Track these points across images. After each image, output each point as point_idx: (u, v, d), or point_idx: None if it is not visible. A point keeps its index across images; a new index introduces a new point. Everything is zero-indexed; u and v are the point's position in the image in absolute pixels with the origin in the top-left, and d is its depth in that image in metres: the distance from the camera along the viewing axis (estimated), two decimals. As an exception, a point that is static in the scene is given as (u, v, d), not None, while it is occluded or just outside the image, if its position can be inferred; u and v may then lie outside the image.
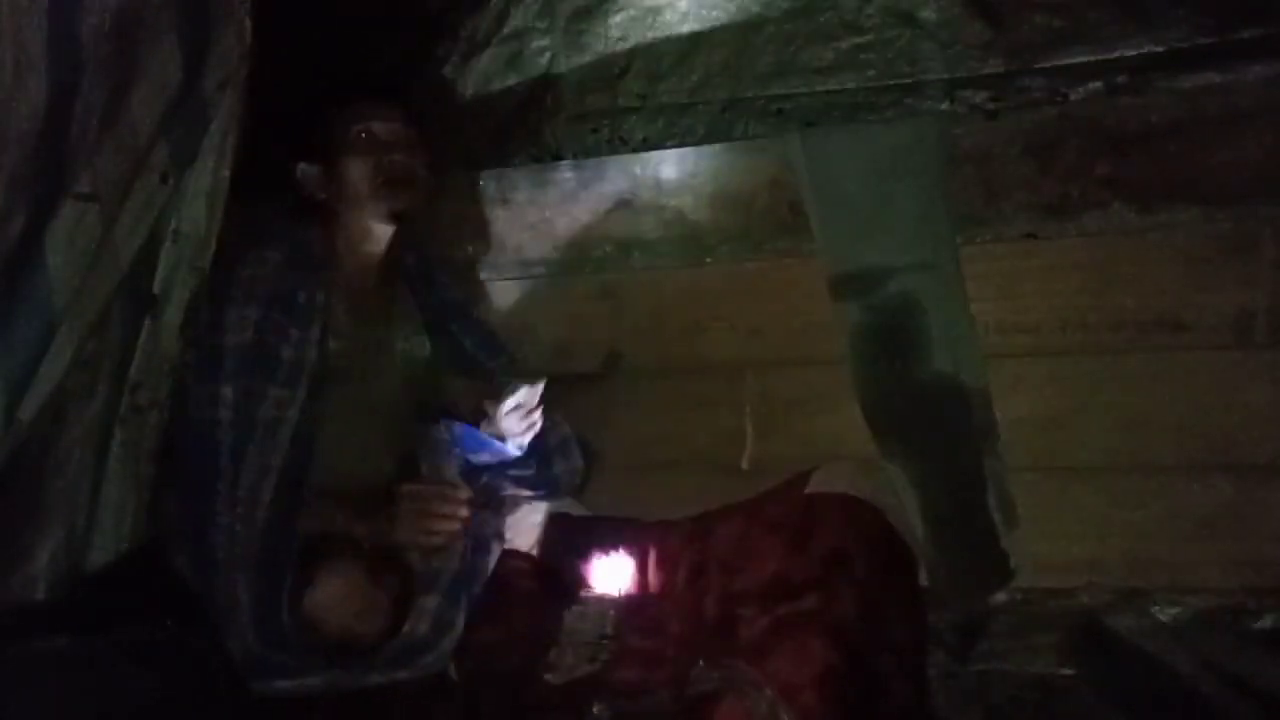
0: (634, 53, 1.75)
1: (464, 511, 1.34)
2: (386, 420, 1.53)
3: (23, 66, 1.01)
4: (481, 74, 1.81)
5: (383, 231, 1.54)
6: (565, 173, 1.76)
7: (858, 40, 1.65)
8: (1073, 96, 1.54)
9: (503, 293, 1.81)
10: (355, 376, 1.49)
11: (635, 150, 1.76)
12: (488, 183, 1.79)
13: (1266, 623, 1.48)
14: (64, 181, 1.15)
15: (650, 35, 1.74)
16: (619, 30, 1.76)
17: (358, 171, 1.50)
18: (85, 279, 1.23)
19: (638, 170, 1.72)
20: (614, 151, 1.77)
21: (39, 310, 1.15)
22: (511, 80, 1.81)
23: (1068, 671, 1.49)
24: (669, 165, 1.71)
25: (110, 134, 1.22)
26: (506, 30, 1.80)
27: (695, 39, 1.72)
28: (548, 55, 1.79)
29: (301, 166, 1.54)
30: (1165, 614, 1.52)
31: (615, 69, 1.77)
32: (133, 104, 1.29)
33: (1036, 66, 1.56)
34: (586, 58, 1.78)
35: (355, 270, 1.54)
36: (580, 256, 1.77)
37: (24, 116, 1.03)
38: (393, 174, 1.49)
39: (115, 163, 1.25)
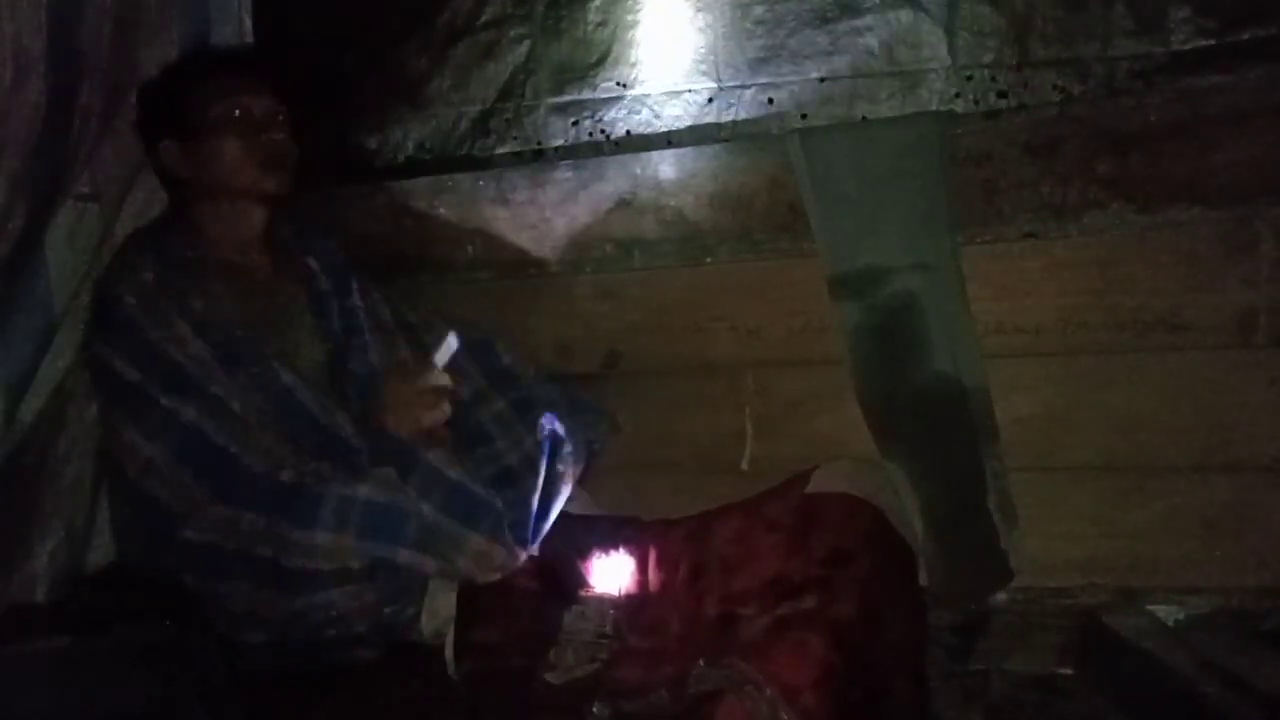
0: (613, 39, 1.73)
1: (444, 390, 1.34)
2: (315, 391, 1.47)
3: (23, 67, 1.01)
4: (459, 64, 1.80)
5: (258, 212, 1.49)
6: (565, 173, 1.76)
7: (855, 23, 1.62)
8: (1075, 91, 1.54)
9: (503, 293, 1.81)
10: (269, 354, 1.43)
11: (618, 143, 1.75)
12: (488, 183, 1.79)
13: (1267, 623, 1.48)
14: (64, 181, 1.16)
15: (630, 19, 1.72)
16: (598, 15, 1.73)
17: (232, 151, 1.43)
18: (85, 279, 1.23)
19: (638, 170, 1.72)
20: (596, 144, 1.76)
21: (39, 310, 1.16)
22: (490, 70, 1.80)
23: (1068, 671, 1.49)
24: (669, 165, 1.71)
25: (110, 134, 1.23)
26: (484, 18, 1.78)
27: (678, 24, 1.69)
28: (526, 44, 1.78)
29: (164, 143, 1.45)
30: (1165, 614, 1.52)
31: (594, 57, 1.75)
32: (133, 104, 1.29)
33: (1042, 55, 1.56)
34: (565, 45, 1.76)
35: (236, 252, 1.49)
36: (580, 256, 1.77)
37: (24, 116, 1.03)
38: (270, 153, 1.44)
39: (115, 163, 1.25)
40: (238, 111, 1.44)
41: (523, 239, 1.79)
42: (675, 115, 1.73)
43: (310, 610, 1.23)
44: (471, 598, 1.32)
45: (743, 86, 1.69)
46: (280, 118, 1.48)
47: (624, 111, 1.76)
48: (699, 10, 1.69)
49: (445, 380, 1.36)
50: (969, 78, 1.59)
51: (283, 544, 1.21)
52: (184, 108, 1.43)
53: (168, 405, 1.29)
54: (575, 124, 1.78)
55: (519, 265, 1.80)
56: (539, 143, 1.80)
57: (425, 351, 1.38)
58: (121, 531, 1.37)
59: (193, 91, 1.44)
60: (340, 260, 1.63)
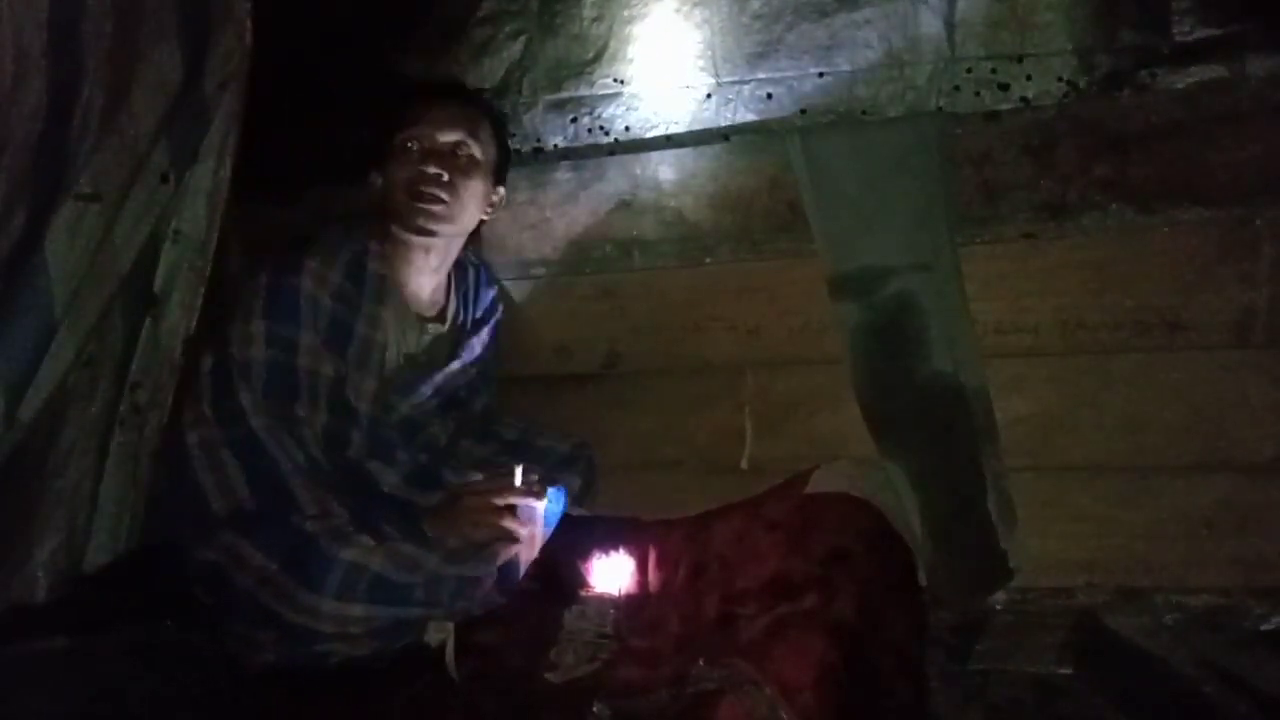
0: (610, 35, 1.72)
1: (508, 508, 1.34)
2: (432, 451, 1.51)
3: (23, 67, 1.01)
4: (455, 61, 1.80)
5: (424, 246, 1.50)
6: (565, 173, 1.76)
7: (853, 16, 1.61)
8: (1081, 83, 1.54)
9: (503, 293, 1.81)
10: (402, 393, 1.48)
11: (618, 139, 1.75)
12: (487, 183, 1.79)
13: (1267, 623, 1.48)
14: (64, 181, 1.15)
15: (626, 14, 1.71)
16: (594, 10, 1.73)
17: (393, 181, 1.47)
18: (85, 279, 1.23)
19: (638, 170, 1.72)
20: (596, 141, 1.76)
21: (39, 310, 1.16)
22: (485, 67, 1.79)
23: (1068, 671, 1.49)
24: (669, 165, 1.71)
25: (110, 134, 1.23)
26: (480, 14, 1.78)
27: (675, 19, 1.68)
28: (523, 39, 1.77)
29: (371, 174, 1.53)
30: (1165, 614, 1.52)
31: (590, 53, 1.74)
32: (133, 104, 1.29)
33: (1043, 47, 1.55)
34: (561, 41, 1.75)
35: (410, 282, 1.51)
36: (580, 256, 1.77)
37: (24, 116, 1.03)
38: (420, 186, 1.45)
39: (115, 163, 1.25)
40: (410, 142, 1.47)
41: (523, 239, 1.79)
42: (673, 111, 1.73)
43: (313, 652, 1.24)
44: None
45: (741, 81, 1.68)
46: (459, 149, 1.48)
47: (622, 108, 1.76)
48: (696, 5, 1.69)
49: (514, 500, 1.35)
50: (969, 70, 1.59)
51: (290, 601, 1.21)
52: (379, 137, 1.50)
53: (247, 402, 1.31)
54: (573, 121, 1.78)
55: (519, 265, 1.80)
56: (538, 140, 1.80)
57: (505, 472, 1.39)
58: (155, 504, 1.38)
59: (387, 121, 1.50)
60: (494, 319, 1.67)
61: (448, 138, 1.48)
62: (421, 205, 1.45)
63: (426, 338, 1.54)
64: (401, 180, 1.46)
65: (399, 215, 1.47)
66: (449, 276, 1.60)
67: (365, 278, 1.44)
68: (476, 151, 1.52)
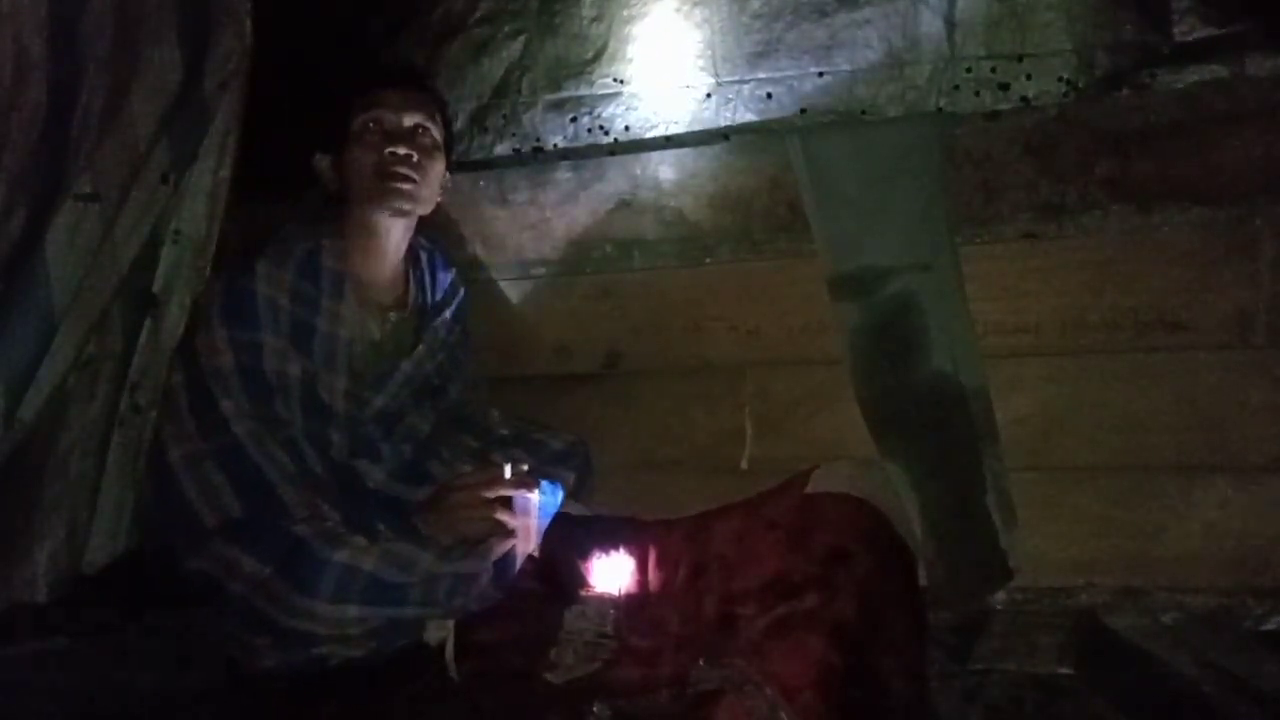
0: (609, 35, 1.73)
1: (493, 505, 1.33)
2: (415, 442, 1.51)
3: (23, 66, 1.01)
4: (454, 61, 1.80)
5: (389, 228, 1.50)
6: (565, 173, 1.76)
7: (853, 15, 1.61)
8: (1080, 82, 1.54)
9: (503, 293, 1.81)
10: (374, 386, 1.47)
11: (618, 139, 1.75)
12: (488, 183, 1.79)
13: (1267, 623, 1.48)
14: (64, 181, 1.16)
15: (626, 14, 1.72)
16: (593, 10, 1.73)
17: (359, 163, 1.47)
18: (85, 279, 1.23)
19: (638, 170, 1.72)
20: (596, 140, 1.76)
21: (39, 310, 1.16)
22: (484, 66, 1.79)
23: (1068, 671, 1.49)
24: (669, 165, 1.71)
25: (110, 134, 1.23)
26: (478, 14, 1.79)
27: (675, 18, 1.69)
28: (522, 39, 1.78)
29: (316, 156, 1.52)
30: (1165, 614, 1.52)
31: (590, 52, 1.74)
32: (133, 104, 1.29)
33: (1043, 47, 1.55)
34: (560, 41, 1.76)
35: (369, 270, 1.52)
36: (580, 256, 1.77)
37: (24, 116, 1.04)
38: (390, 166, 1.45)
39: (115, 163, 1.25)
40: (371, 124, 1.47)
41: (523, 239, 1.79)
42: (673, 110, 1.73)
43: (310, 655, 1.24)
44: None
45: (741, 81, 1.69)
46: (415, 132, 1.49)
47: (622, 108, 1.76)
48: (696, 5, 1.69)
49: (504, 492, 1.34)
50: (969, 70, 1.59)
51: (284, 605, 1.20)
52: (333, 121, 1.49)
53: (229, 409, 1.30)
54: (573, 120, 1.78)
55: (519, 265, 1.80)
56: (537, 139, 1.80)
57: (494, 464, 1.38)
58: (144, 518, 1.37)
59: (341, 105, 1.49)
60: (456, 300, 1.65)
61: (410, 120, 1.49)
62: (394, 185, 1.45)
63: (389, 325, 1.53)
64: (369, 162, 1.46)
65: (367, 196, 1.47)
66: (404, 262, 1.59)
67: (321, 275, 1.44)
68: (436, 134, 1.53)
